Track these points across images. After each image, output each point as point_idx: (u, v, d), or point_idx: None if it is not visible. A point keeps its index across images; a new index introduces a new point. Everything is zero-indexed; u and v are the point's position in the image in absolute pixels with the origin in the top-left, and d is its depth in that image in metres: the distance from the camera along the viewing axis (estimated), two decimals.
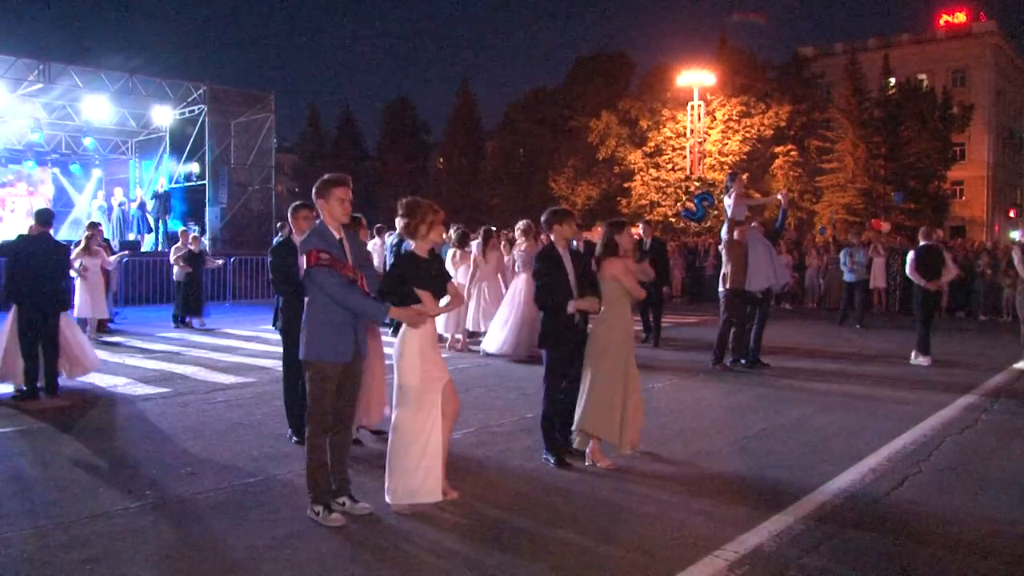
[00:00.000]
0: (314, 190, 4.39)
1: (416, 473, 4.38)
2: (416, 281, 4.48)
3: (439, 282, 4.63)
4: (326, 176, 4.46)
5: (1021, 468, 5.46)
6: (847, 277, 14.82)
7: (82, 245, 11.81)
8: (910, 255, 10.36)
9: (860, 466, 5.35)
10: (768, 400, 7.66)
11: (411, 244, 4.60)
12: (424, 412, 4.43)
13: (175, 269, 13.93)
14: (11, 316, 7.60)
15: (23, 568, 3.69)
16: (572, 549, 4.00)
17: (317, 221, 4.47)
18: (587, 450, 5.44)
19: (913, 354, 10.05)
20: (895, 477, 5.13)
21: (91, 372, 8.28)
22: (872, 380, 8.80)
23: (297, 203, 5.90)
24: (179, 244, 14.25)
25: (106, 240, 13.34)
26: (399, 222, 4.61)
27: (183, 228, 16.58)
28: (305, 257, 4.20)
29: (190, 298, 13.69)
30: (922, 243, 10.36)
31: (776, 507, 4.51)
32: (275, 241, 6.72)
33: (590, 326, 5.55)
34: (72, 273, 11.76)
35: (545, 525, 4.30)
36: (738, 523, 4.28)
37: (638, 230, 11.52)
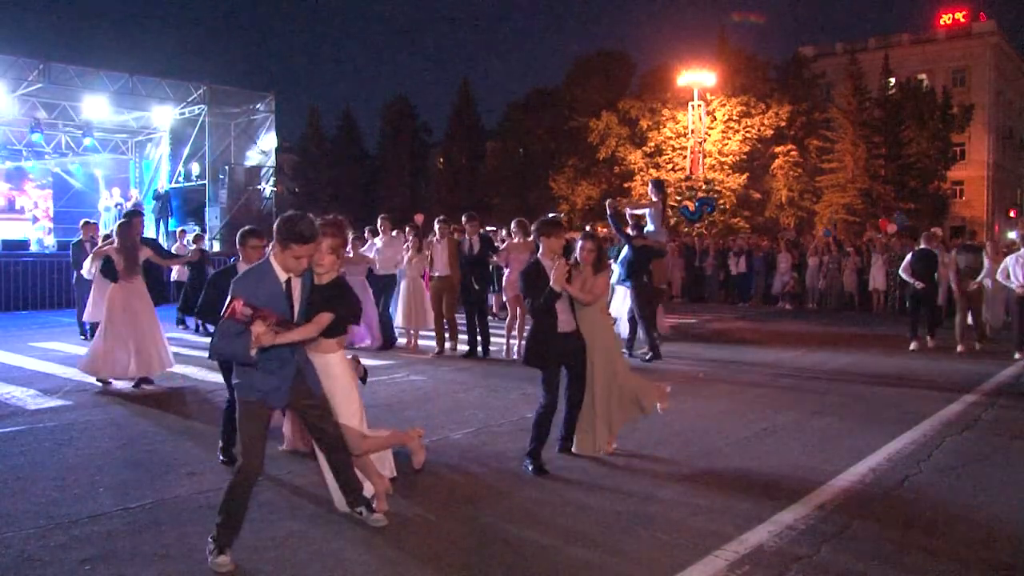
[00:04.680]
0: (275, 228, 3.72)
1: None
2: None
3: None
4: (291, 223, 3.66)
5: (1021, 468, 5.46)
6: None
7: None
8: (907, 257, 11.29)
9: (860, 466, 5.35)
10: (768, 400, 7.65)
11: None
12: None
13: (175, 269, 13.88)
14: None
15: (23, 568, 3.69)
16: (572, 550, 4.00)
17: (266, 253, 3.94)
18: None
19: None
20: (896, 477, 5.13)
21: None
22: (872, 380, 8.79)
23: (247, 229, 5.34)
24: (178, 244, 14.29)
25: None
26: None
27: (180, 228, 16.64)
28: (227, 301, 3.59)
29: (190, 298, 13.60)
30: (921, 246, 11.18)
31: (776, 507, 4.52)
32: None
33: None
34: (86, 275, 11.67)
35: (545, 526, 4.29)
36: (738, 523, 4.28)
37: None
